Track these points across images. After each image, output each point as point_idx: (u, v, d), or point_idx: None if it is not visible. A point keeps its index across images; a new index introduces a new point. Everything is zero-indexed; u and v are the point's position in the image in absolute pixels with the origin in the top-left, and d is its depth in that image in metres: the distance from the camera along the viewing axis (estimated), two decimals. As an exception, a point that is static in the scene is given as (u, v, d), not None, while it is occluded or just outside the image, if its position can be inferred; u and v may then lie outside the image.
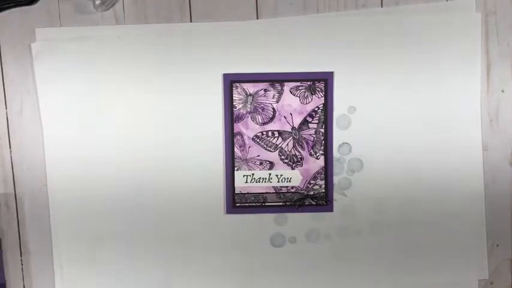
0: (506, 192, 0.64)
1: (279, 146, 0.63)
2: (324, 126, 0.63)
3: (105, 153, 0.63)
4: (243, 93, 0.63)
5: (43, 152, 0.63)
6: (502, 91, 0.63)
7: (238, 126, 0.63)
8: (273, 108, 0.63)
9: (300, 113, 0.63)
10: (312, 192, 0.64)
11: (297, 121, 0.63)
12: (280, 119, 0.63)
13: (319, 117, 0.63)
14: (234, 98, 0.63)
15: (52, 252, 0.64)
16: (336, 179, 0.64)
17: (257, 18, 0.62)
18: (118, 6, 0.62)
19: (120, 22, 0.62)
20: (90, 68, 0.62)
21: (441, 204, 0.63)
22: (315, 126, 0.63)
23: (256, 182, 0.64)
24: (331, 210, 0.64)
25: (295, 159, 0.64)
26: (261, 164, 0.64)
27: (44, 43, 0.62)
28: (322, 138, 0.63)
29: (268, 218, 0.64)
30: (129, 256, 0.64)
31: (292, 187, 0.64)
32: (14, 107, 0.63)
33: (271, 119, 0.63)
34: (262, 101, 0.63)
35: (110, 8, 0.62)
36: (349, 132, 0.63)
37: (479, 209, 0.63)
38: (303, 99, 0.63)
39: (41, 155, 0.63)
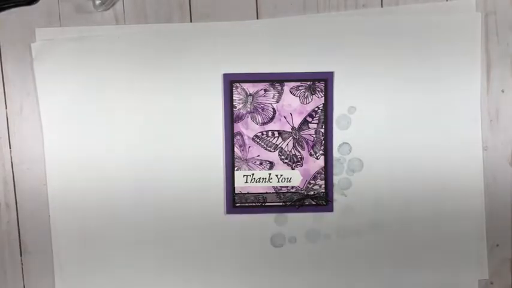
0: (506, 193, 0.64)
1: (279, 146, 0.63)
2: (324, 126, 0.63)
3: (105, 153, 0.63)
4: (243, 93, 0.63)
5: (43, 152, 0.63)
6: (502, 91, 0.63)
7: (238, 126, 0.63)
8: (273, 108, 0.63)
9: (300, 113, 0.63)
10: (312, 192, 0.64)
11: (297, 121, 0.63)
12: (280, 119, 0.63)
13: (319, 117, 0.63)
14: (234, 98, 0.63)
15: (52, 252, 0.64)
16: (336, 179, 0.64)
17: (257, 18, 0.62)
18: (118, 6, 0.62)
19: (120, 22, 0.62)
20: (90, 68, 0.62)
21: (441, 204, 0.63)
22: (315, 126, 0.63)
23: (256, 182, 0.64)
24: (331, 210, 0.64)
25: (295, 159, 0.64)
26: (261, 164, 0.64)
27: (44, 43, 0.62)
28: (322, 138, 0.63)
29: (268, 218, 0.64)
30: (129, 256, 0.64)
31: (292, 187, 0.64)
32: (14, 107, 0.63)
33: (271, 119, 0.63)
34: (262, 101, 0.63)
35: (109, 8, 0.62)
36: (349, 132, 0.63)
37: (479, 209, 0.63)
38: (303, 99, 0.63)
39: (41, 155, 0.63)
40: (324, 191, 0.64)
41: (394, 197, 0.63)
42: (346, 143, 0.63)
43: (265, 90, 0.63)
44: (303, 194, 0.64)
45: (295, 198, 0.64)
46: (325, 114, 0.63)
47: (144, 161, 0.63)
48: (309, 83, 0.62)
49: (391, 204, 0.63)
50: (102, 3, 0.61)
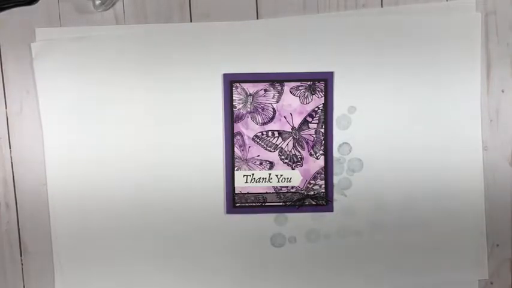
0: (506, 192, 0.64)
1: (279, 146, 0.63)
2: (324, 126, 0.63)
3: (105, 152, 0.63)
4: (243, 93, 0.63)
5: (43, 152, 0.63)
6: (502, 91, 0.63)
7: (238, 126, 0.63)
8: (273, 108, 0.63)
9: (300, 113, 0.63)
10: (312, 192, 0.64)
11: (297, 121, 0.63)
12: (280, 119, 0.63)
13: (319, 117, 0.63)
14: (234, 98, 0.63)
15: (52, 252, 0.64)
16: (336, 179, 0.64)
17: (257, 18, 0.62)
18: (118, 6, 0.62)
19: (120, 22, 0.62)
20: (90, 68, 0.62)
21: (441, 204, 0.63)
22: (315, 126, 0.63)
23: (256, 182, 0.64)
24: (331, 210, 0.64)
25: (295, 159, 0.64)
26: (261, 164, 0.64)
27: (44, 43, 0.62)
28: (322, 138, 0.63)
29: (268, 218, 0.64)
30: (129, 256, 0.64)
31: (292, 187, 0.64)
32: (14, 107, 0.63)
33: (271, 119, 0.63)
34: (262, 101, 0.63)
35: (109, 8, 0.62)
36: (349, 132, 0.63)
37: (479, 209, 0.63)
38: (303, 99, 0.63)
39: (41, 155, 0.63)
40: (324, 191, 0.64)
41: (394, 197, 0.63)
42: (346, 143, 0.63)
43: (265, 90, 0.63)
44: (303, 194, 0.64)
45: (295, 198, 0.64)
46: (325, 114, 0.63)
47: (144, 161, 0.63)
48: (309, 83, 0.62)
49: (391, 204, 0.63)
50: (102, 3, 0.61)
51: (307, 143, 0.63)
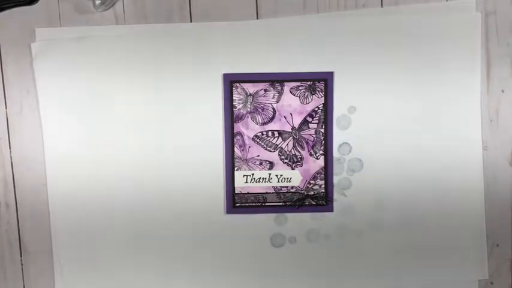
0: (506, 192, 0.64)
1: (279, 146, 0.63)
2: (324, 126, 0.63)
3: (105, 152, 0.63)
4: (243, 93, 0.63)
5: (43, 152, 0.63)
6: (502, 91, 0.63)
7: (238, 126, 0.63)
8: (273, 108, 0.63)
9: (300, 113, 0.63)
10: (312, 192, 0.64)
11: (297, 121, 0.63)
12: (280, 119, 0.63)
13: (319, 117, 0.63)
14: (234, 98, 0.63)
15: (52, 252, 0.64)
16: (336, 179, 0.64)
17: (257, 18, 0.62)
18: (118, 6, 0.62)
19: (120, 22, 0.62)
20: (90, 68, 0.62)
21: (441, 204, 0.63)
22: (315, 126, 0.63)
23: (256, 182, 0.64)
24: (331, 210, 0.64)
25: (295, 159, 0.64)
26: (261, 164, 0.64)
27: (44, 43, 0.62)
28: (322, 138, 0.63)
29: (268, 218, 0.64)
30: (129, 256, 0.64)
31: (292, 187, 0.64)
32: (14, 107, 0.63)
33: (271, 119, 0.63)
34: (262, 101, 0.63)
35: (109, 8, 0.62)
36: (349, 132, 0.63)
37: (479, 209, 0.63)
38: (303, 99, 0.63)
39: (41, 155, 0.63)
40: (324, 191, 0.64)
41: (394, 197, 0.63)
42: (346, 143, 0.63)
43: (265, 90, 0.63)
44: (303, 194, 0.64)
45: (295, 198, 0.64)
46: (325, 114, 0.63)
47: (144, 160, 0.63)
48: (309, 83, 0.62)
49: (391, 204, 0.63)
50: (102, 3, 0.61)
51: (307, 143, 0.63)
